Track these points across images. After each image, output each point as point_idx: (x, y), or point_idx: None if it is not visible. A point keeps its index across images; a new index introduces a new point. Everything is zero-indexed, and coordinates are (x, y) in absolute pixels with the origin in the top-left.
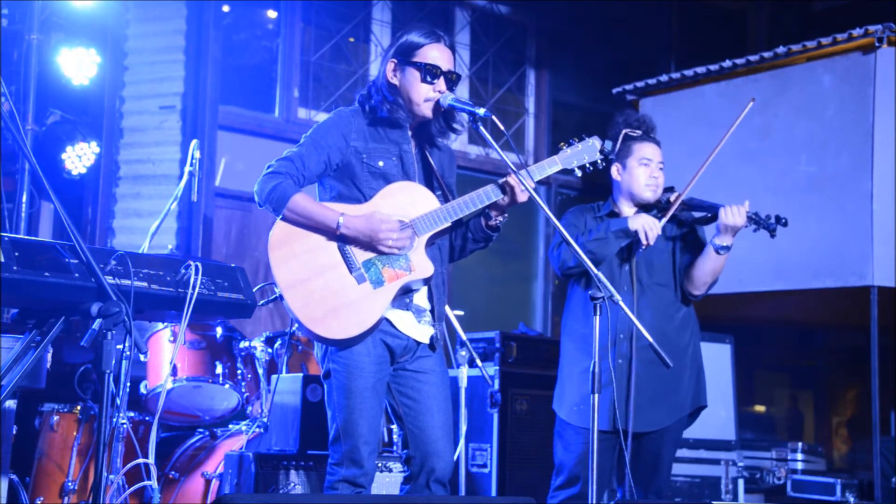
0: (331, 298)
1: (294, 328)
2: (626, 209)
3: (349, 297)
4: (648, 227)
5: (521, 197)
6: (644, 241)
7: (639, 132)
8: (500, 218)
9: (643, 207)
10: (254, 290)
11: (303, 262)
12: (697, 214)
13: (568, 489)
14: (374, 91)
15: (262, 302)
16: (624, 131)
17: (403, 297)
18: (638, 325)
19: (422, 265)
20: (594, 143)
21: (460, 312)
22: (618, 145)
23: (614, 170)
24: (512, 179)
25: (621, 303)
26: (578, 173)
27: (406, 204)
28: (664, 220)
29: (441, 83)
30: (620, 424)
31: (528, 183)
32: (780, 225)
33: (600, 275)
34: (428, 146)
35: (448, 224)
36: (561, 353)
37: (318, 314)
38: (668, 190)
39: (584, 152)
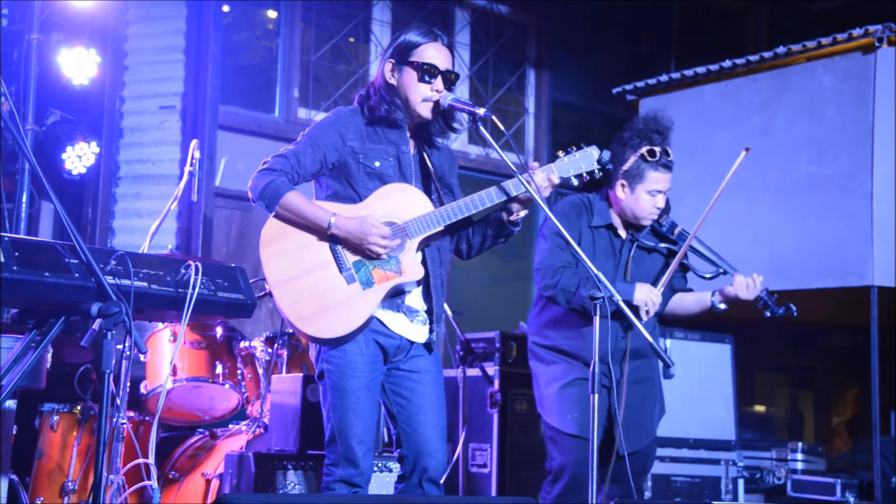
0: (319, 297)
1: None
2: (619, 222)
3: (338, 297)
4: (651, 303)
5: (543, 193)
6: (644, 317)
7: (657, 156)
8: (523, 213)
9: (633, 226)
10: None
11: (293, 259)
12: (701, 268)
13: (572, 497)
14: (372, 92)
15: None
16: (643, 151)
17: (395, 298)
18: (638, 326)
19: (412, 268)
20: (592, 152)
21: (460, 312)
22: (629, 163)
23: (619, 188)
24: (538, 177)
25: (621, 303)
26: (575, 182)
27: (399, 206)
28: (674, 264)
29: (439, 82)
30: (620, 448)
31: (531, 186)
32: (788, 313)
33: (600, 275)
34: (427, 147)
35: (441, 228)
36: (537, 370)
37: (306, 312)
38: (664, 211)
39: (582, 161)
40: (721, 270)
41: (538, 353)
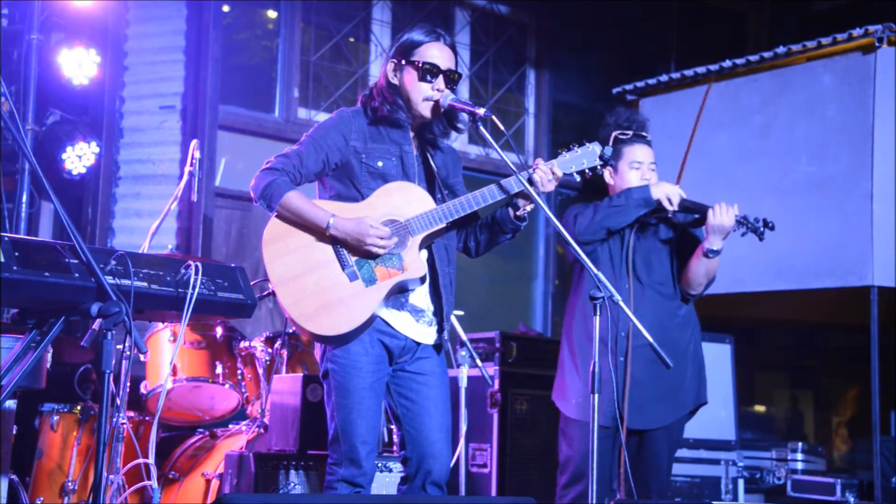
0: (322, 295)
1: (293, 328)
2: None
3: (340, 295)
4: (672, 195)
5: (548, 187)
6: (669, 208)
7: (629, 133)
8: (529, 207)
9: None
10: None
11: (296, 258)
12: (690, 218)
13: (575, 486)
14: (375, 92)
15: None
16: (614, 134)
17: (399, 296)
18: (638, 325)
19: (414, 265)
20: (594, 148)
21: (460, 312)
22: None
23: (607, 173)
24: (538, 173)
25: (621, 303)
26: (577, 178)
27: (401, 203)
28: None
29: (440, 82)
30: (627, 421)
31: (529, 185)
32: (767, 229)
33: (601, 275)
34: (430, 147)
35: (443, 225)
36: (562, 348)
37: (309, 310)
38: None
39: (584, 157)
40: (704, 213)
41: (562, 345)
